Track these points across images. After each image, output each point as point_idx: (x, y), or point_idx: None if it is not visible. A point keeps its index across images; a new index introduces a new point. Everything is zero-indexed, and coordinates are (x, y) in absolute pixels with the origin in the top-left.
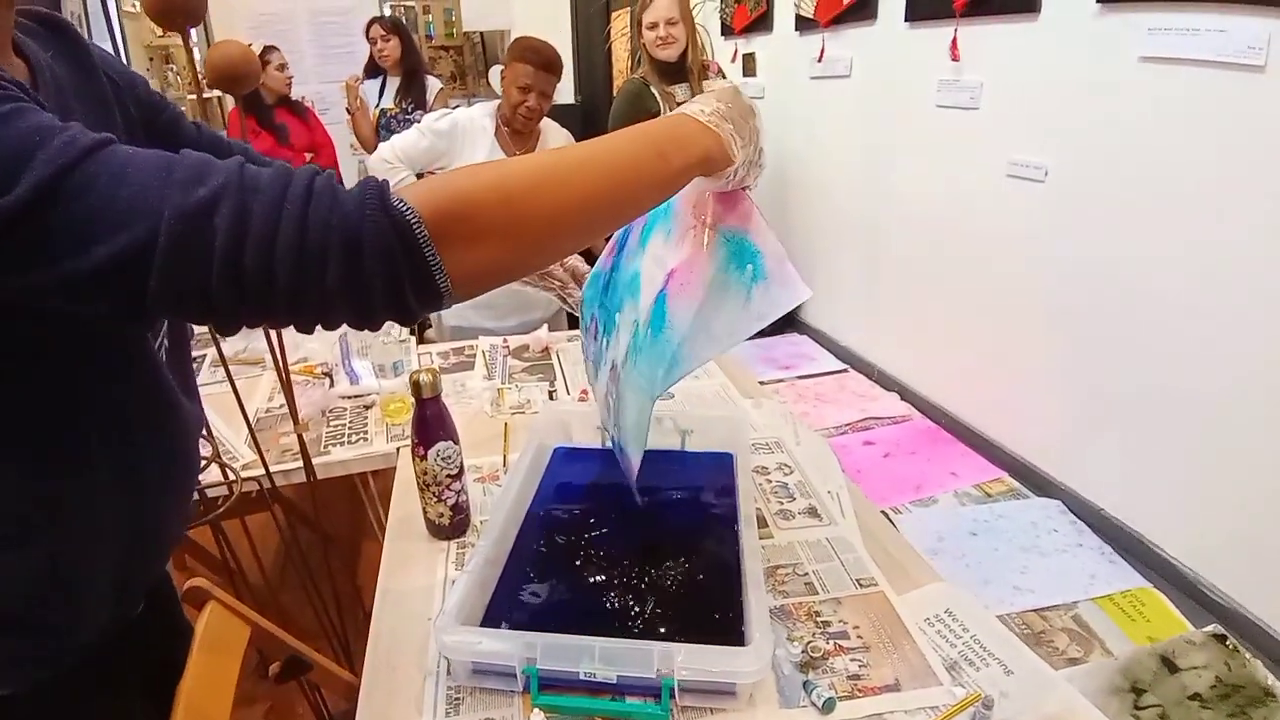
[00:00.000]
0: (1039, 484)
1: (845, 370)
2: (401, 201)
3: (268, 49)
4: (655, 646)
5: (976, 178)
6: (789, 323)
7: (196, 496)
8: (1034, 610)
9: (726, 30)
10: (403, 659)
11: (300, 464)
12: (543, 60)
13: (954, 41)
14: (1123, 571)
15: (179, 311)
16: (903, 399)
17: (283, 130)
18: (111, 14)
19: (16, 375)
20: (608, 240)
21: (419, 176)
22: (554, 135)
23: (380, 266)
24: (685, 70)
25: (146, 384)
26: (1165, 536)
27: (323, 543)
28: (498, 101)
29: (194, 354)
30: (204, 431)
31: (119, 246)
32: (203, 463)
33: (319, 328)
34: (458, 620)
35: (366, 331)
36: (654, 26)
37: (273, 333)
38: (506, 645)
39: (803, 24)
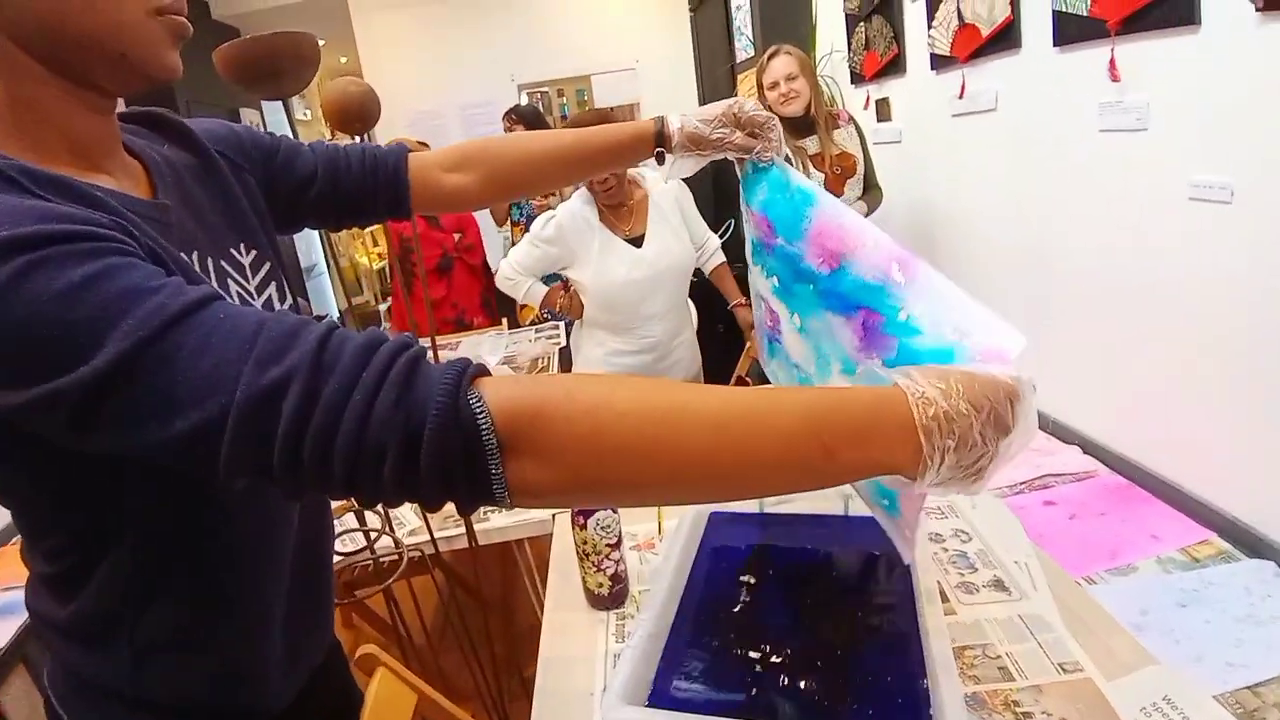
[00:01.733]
0: (1251, 544)
1: None
2: (478, 400)
3: (419, 144)
4: None
5: (1152, 203)
6: None
7: (370, 562)
8: (1249, 687)
9: (857, 78)
10: None
11: (461, 530)
12: (599, 119)
13: (1112, 61)
14: None
15: (253, 479)
16: (1085, 452)
17: (433, 218)
18: (288, 123)
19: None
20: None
21: (549, 280)
22: (656, 186)
23: (437, 468)
24: (811, 123)
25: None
26: None
27: (482, 608)
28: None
29: None
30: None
31: (192, 422)
32: (374, 534)
33: None
34: (623, 699)
35: None
36: (774, 86)
37: None
38: None
39: (939, 62)
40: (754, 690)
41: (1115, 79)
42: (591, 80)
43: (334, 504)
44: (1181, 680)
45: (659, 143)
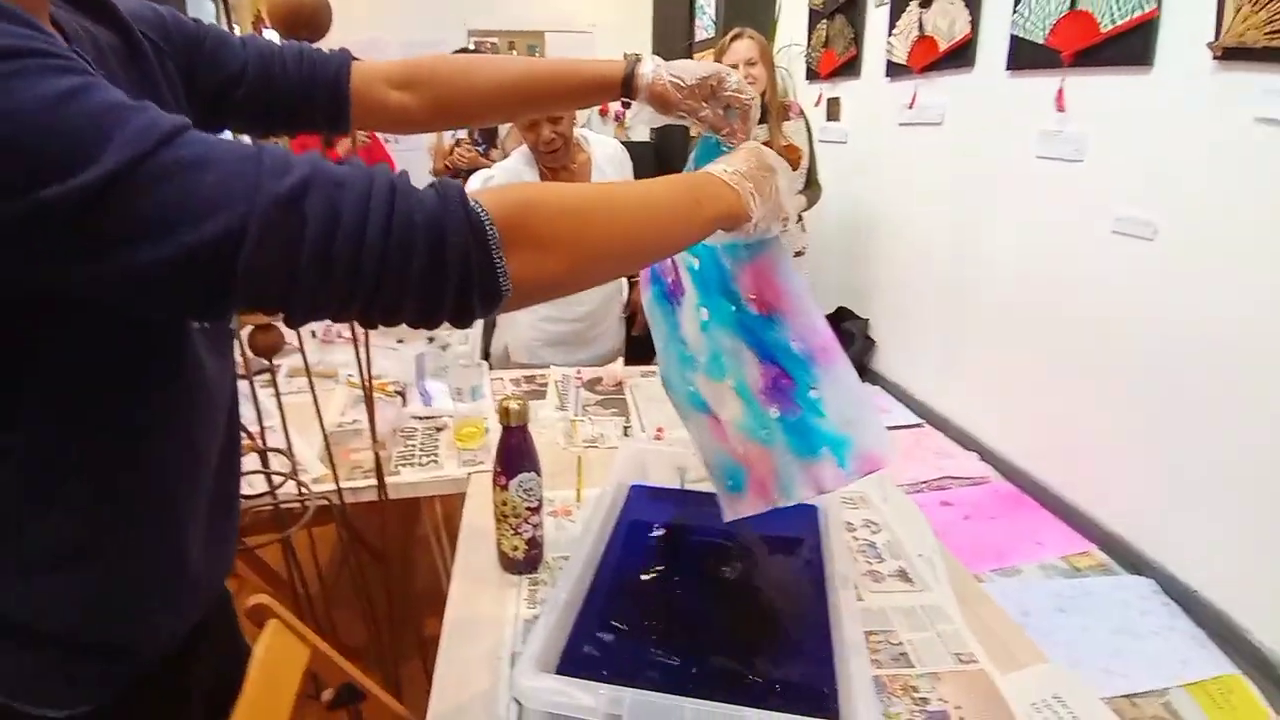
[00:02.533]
0: (1131, 561)
1: (921, 425)
2: (477, 204)
3: None
4: (753, 715)
5: (1078, 232)
6: (862, 373)
7: (271, 508)
8: (1124, 696)
9: (812, 74)
10: (470, 702)
11: (370, 482)
12: None
13: (1060, 91)
14: (1214, 657)
15: (255, 300)
16: (982, 459)
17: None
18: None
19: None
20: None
21: None
22: (600, 149)
23: (457, 263)
24: (764, 112)
25: (184, 369)
26: (1256, 622)
27: (382, 564)
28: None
29: (273, 363)
30: (280, 450)
31: (207, 234)
32: (278, 478)
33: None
34: (537, 666)
35: (440, 352)
36: (734, 68)
37: (361, 347)
38: (591, 698)
39: (894, 70)
40: (665, 663)
41: (1060, 109)
42: (545, 37)
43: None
44: (1071, 680)
45: (625, 91)
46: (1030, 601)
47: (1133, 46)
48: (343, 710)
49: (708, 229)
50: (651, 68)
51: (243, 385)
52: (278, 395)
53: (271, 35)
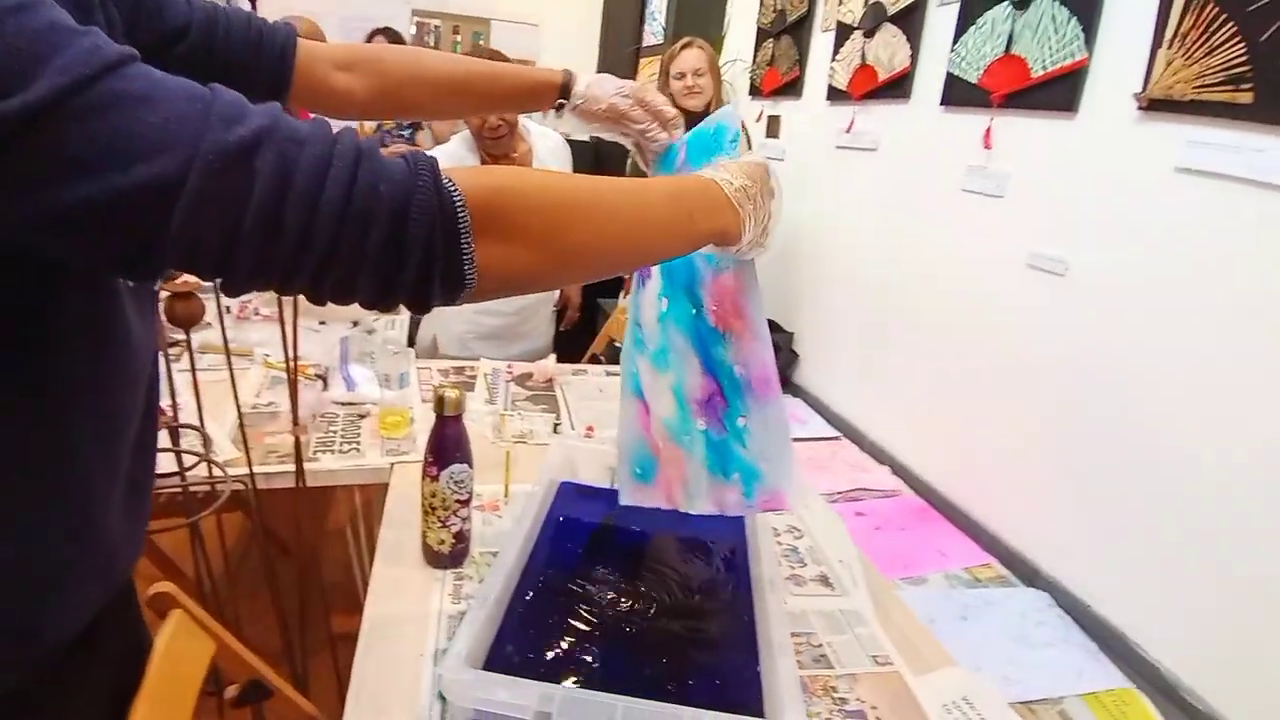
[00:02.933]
0: (1027, 574)
1: (838, 438)
2: (450, 182)
3: (310, 25)
4: (683, 712)
5: (996, 264)
6: (785, 384)
7: (179, 491)
8: (1022, 703)
9: (755, 91)
10: (390, 699)
11: (286, 468)
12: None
13: (988, 130)
14: (1107, 670)
15: (190, 261)
16: (894, 473)
17: None
18: None
19: None
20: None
21: None
22: (543, 141)
23: (421, 243)
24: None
25: (107, 325)
26: (1148, 638)
27: (294, 555)
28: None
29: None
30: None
31: (142, 177)
32: (189, 459)
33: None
34: (465, 662)
35: (365, 336)
36: (682, 76)
37: (287, 326)
38: (521, 696)
39: (834, 94)
40: (595, 661)
41: (988, 146)
42: (491, 25)
43: None
44: (979, 683)
45: (563, 95)
46: (935, 609)
47: (1060, 93)
48: (248, 707)
49: (697, 244)
50: (585, 84)
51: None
52: (193, 370)
53: None
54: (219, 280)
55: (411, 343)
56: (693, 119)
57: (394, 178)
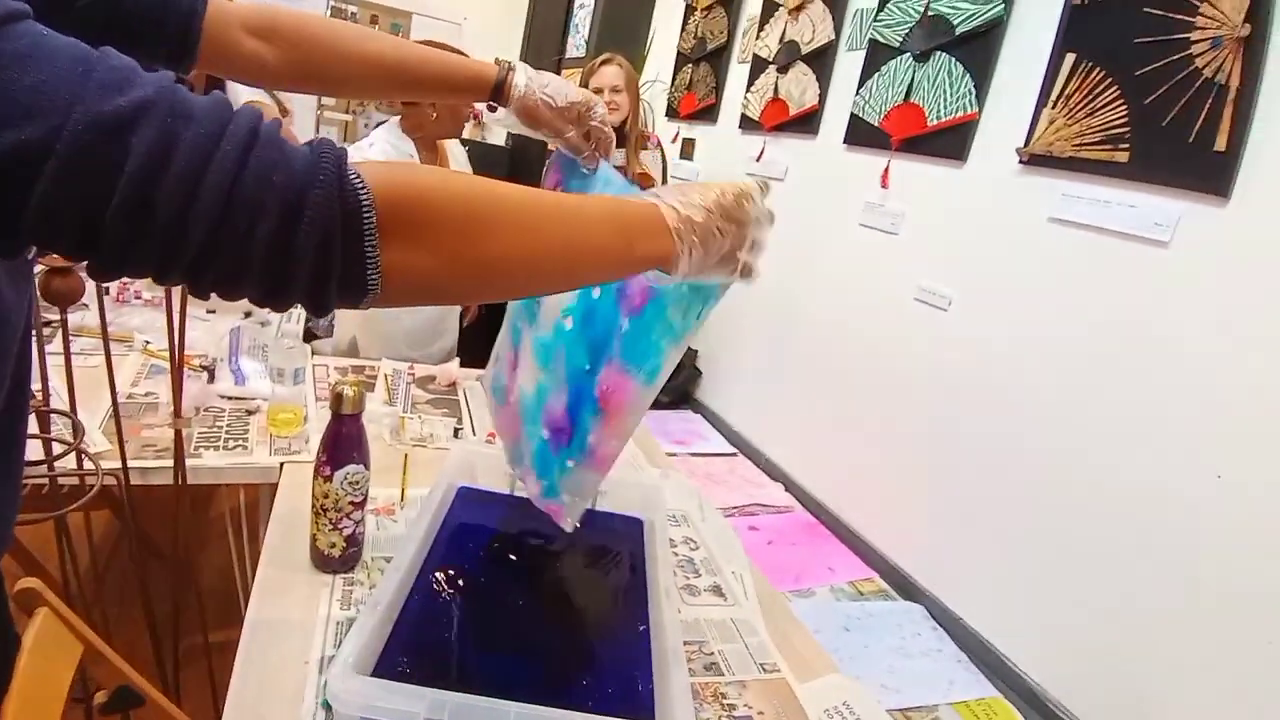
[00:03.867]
0: (905, 588)
1: (735, 454)
2: (358, 178)
3: None
4: (576, 718)
5: (886, 296)
6: (684, 399)
7: (46, 481)
8: (899, 709)
9: (671, 112)
10: (272, 708)
11: (162, 463)
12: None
13: (886, 170)
14: (977, 679)
15: (56, 239)
16: (787, 490)
17: None
18: None
19: None
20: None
21: None
22: (454, 151)
23: (315, 241)
24: (623, 138)
25: None
26: (1015, 650)
27: (167, 558)
28: (397, 118)
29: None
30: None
31: (5, 143)
32: (59, 448)
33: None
34: (354, 668)
35: (259, 328)
36: (599, 92)
37: (174, 310)
38: (412, 703)
39: (746, 123)
40: (488, 668)
41: (885, 185)
42: (412, 18)
43: None
44: (859, 690)
45: (495, 94)
46: (821, 620)
47: (952, 142)
48: (117, 715)
49: (635, 270)
50: (525, 80)
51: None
52: (67, 351)
53: None
54: (84, 263)
55: (309, 338)
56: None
57: (291, 167)
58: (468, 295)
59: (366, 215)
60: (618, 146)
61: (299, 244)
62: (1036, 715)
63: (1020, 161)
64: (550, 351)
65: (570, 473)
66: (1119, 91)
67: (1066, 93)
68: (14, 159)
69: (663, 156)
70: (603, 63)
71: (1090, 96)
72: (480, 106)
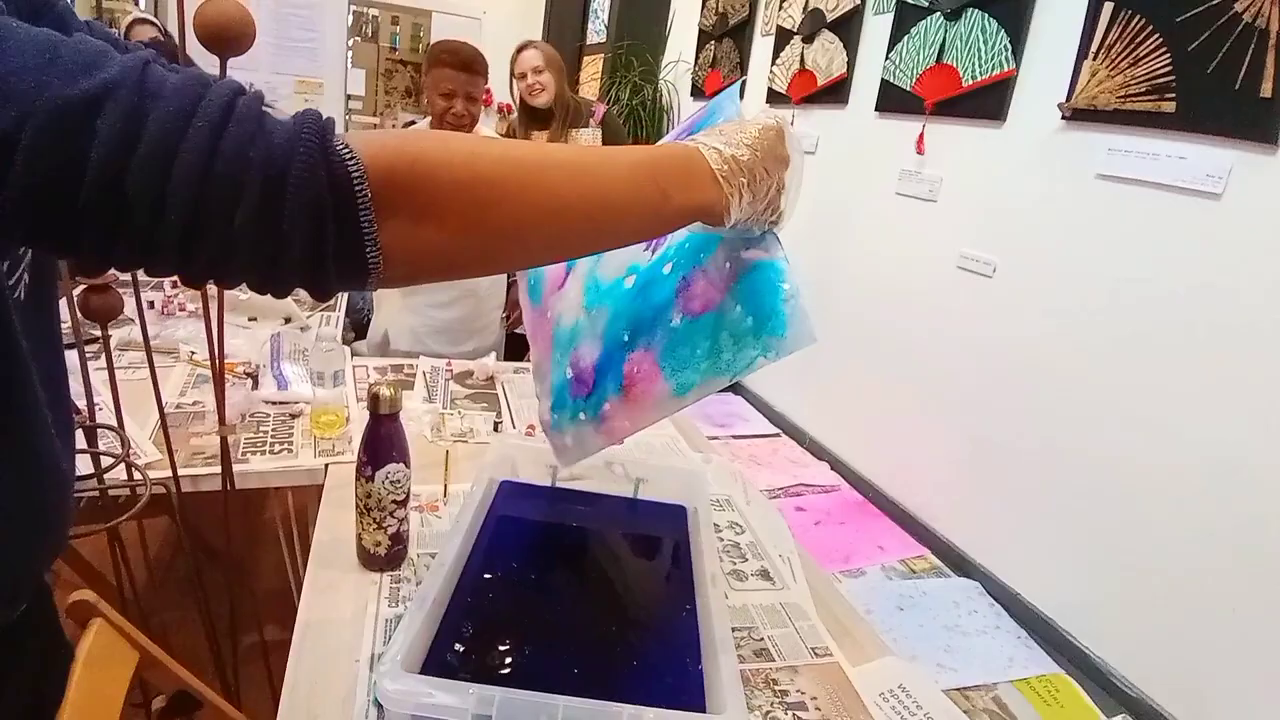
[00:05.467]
0: (959, 564)
1: (778, 435)
2: (346, 148)
3: (140, 22)
4: (625, 710)
5: (927, 266)
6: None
7: (97, 494)
8: (957, 689)
9: (697, 92)
10: (325, 706)
11: (211, 470)
12: (461, 60)
13: (920, 136)
14: (1038, 656)
15: (38, 235)
16: (833, 469)
17: None
18: None
19: None
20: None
21: None
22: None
23: (303, 218)
24: (551, 117)
25: None
26: (1078, 625)
27: (222, 561)
28: (426, 119)
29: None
30: (110, 426)
31: None
32: (107, 460)
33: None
34: (401, 666)
35: (299, 333)
36: (523, 77)
37: (212, 320)
38: (459, 699)
39: (774, 97)
40: (535, 662)
41: (920, 151)
42: (432, 17)
43: None
44: (915, 672)
45: None
46: (874, 600)
47: (989, 101)
48: (176, 719)
49: (672, 223)
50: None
51: (69, 355)
52: (110, 367)
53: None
54: (71, 259)
55: (361, 336)
56: (538, 114)
57: (269, 140)
58: (483, 267)
59: (358, 187)
60: (544, 126)
61: (286, 223)
62: (1101, 691)
63: (1063, 117)
64: (599, 299)
65: (580, 424)
66: (1161, 40)
67: (1108, 43)
68: None
69: (605, 133)
70: (520, 49)
71: (1132, 46)
72: (502, 98)
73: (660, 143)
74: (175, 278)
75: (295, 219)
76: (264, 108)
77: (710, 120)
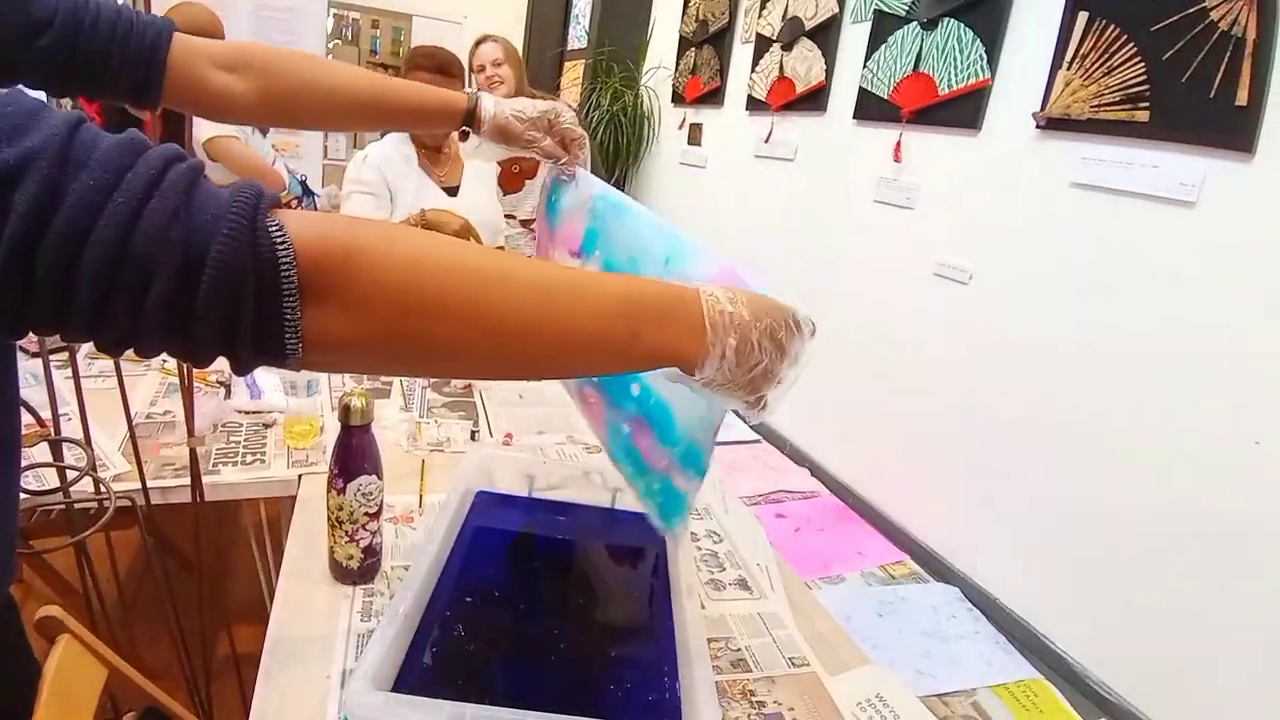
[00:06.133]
0: (938, 570)
1: (758, 441)
2: (279, 229)
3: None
4: None
5: (904, 272)
6: None
7: (63, 507)
8: (936, 695)
9: (677, 98)
10: None
11: (181, 481)
12: (436, 64)
13: (898, 144)
14: (1017, 662)
15: None
16: (812, 475)
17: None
18: None
19: None
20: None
21: None
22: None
23: (220, 302)
24: None
25: None
26: (1055, 630)
27: (193, 574)
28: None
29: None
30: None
31: None
32: (73, 474)
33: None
34: (372, 683)
35: None
36: (481, 69)
37: None
38: (430, 715)
39: (754, 104)
40: (509, 677)
41: (897, 159)
42: (413, 21)
43: (24, 428)
44: (891, 680)
45: (467, 121)
46: (853, 606)
47: (965, 110)
48: None
49: (637, 365)
50: (493, 102)
51: (35, 366)
52: (76, 378)
53: None
54: None
55: None
56: None
57: (194, 220)
58: (408, 370)
59: (284, 270)
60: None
61: (199, 306)
62: (1078, 695)
63: (1037, 126)
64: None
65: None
66: (1135, 49)
67: (1082, 52)
68: None
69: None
70: (479, 43)
71: (1106, 55)
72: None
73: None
74: None
75: (210, 300)
76: (200, 178)
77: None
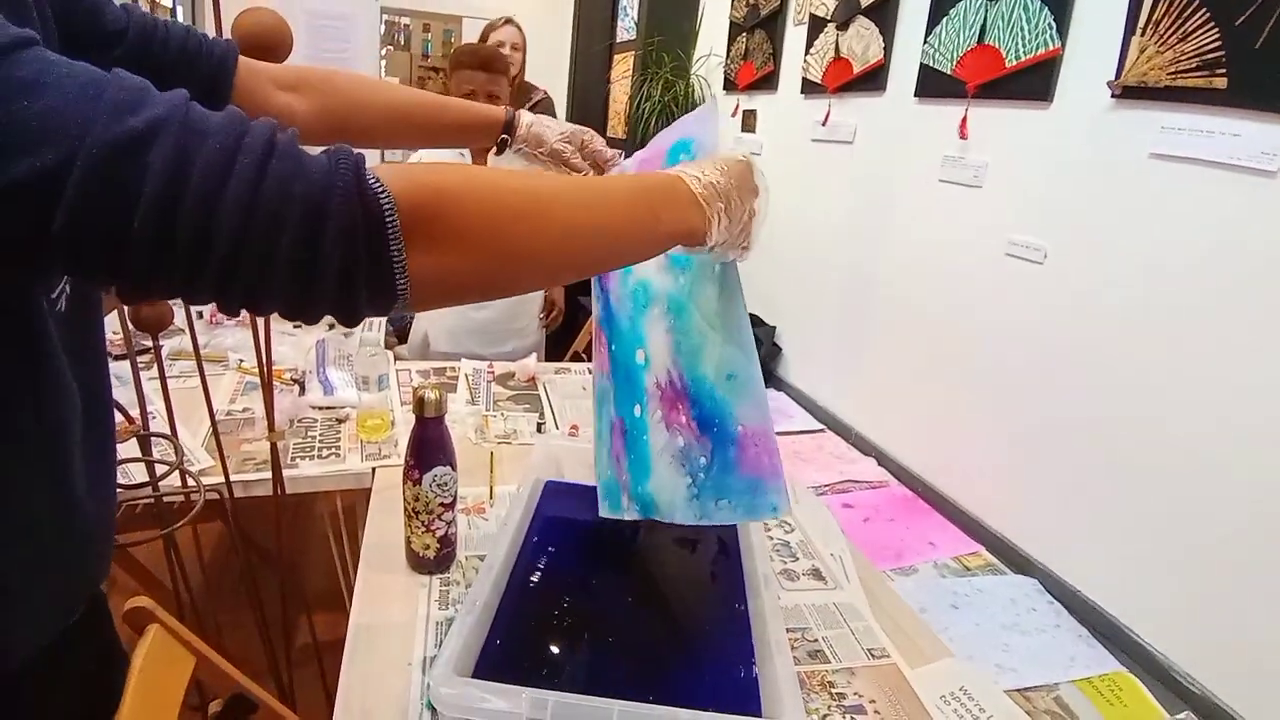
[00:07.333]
0: (1016, 561)
1: (823, 430)
2: (378, 182)
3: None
4: (681, 714)
5: (974, 254)
6: (767, 379)
7: (152, 501)
8: (1017, 690)
9: (729, 85)
10: (379, 710)
11: (261, 475)
12: (479, 60)
13: (963, 120)
14: (1100, 655)
15: (82, 266)
16: (880, 464)
17: None
18: None
19: None
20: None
21: None
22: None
23: (339, 249)
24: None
25: (31, 350)
26: (1140, 621)
27: (275, 565)
28: None
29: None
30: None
31: (19, 173)
32: (161, 469)
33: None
34: (454, 669)
35: (342, 339)
36: (500, 45)
37: (259, 329)
38: (513, 703)
39: (809, 87)
40: (586, 665)
41: (963, 136)
42: (462, 22)
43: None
44: (977, 675)
45: (506, 131)
46: (927, 598)
47: (1034, 82)
48: None
49: (663, 244)
50: (530, 118)
51: (120, 367)
52: (162, 377)
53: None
54: (114, 287)
55: (403, 340)
56: None
57: (310, 175)
58: (504, 289)
59: (389, 219)
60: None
61: (324, 253)
62: (1164, 689)
63: (1112, 95)
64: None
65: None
66: (1208, 13)
67: (1155, 18)
68: (33, 187)
69: (549, 111)
70: (505, 22)
71: (1180, 20)
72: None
73: (630, 160)
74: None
75: (332, 249)
76: (299, 146)
77: (682, 140)
